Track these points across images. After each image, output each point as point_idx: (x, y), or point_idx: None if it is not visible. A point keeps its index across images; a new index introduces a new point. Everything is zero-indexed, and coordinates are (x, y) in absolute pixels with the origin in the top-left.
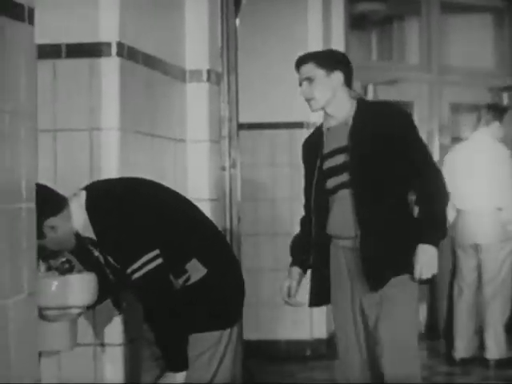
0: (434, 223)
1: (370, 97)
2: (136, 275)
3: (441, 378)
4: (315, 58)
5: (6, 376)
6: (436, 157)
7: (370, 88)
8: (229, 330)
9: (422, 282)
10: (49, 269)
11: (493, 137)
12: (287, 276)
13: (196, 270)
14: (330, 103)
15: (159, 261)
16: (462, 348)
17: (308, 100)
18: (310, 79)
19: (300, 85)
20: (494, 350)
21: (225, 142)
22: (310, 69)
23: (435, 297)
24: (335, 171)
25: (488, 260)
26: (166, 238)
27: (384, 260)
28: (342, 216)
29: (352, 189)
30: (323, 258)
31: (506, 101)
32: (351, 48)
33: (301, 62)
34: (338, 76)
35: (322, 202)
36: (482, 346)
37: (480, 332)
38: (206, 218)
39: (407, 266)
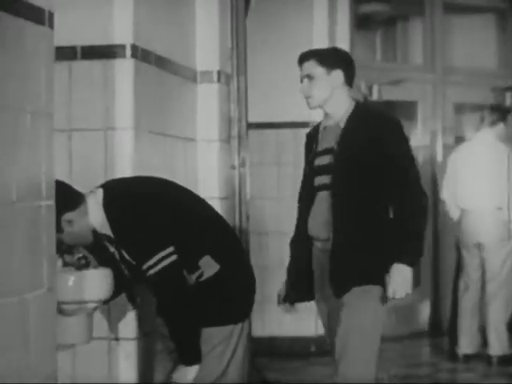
0: (410, 244)
1: (374, 97)
2: (151, 271)
3: (444, 375)
4: (317, 56)
5: (25, 367)
6: (439, 156)
7: (375, 88)
8: (240, 325)
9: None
10: (65, 264)
11: (496, 137)
12: (284, 282)
13: (209, 267)
14: (328, 102)
15: (174, 257)
16: (466, 344)
17: (306, 97)
18: (310, 76)
19: (301, 81)
20: (497, 346)
21: (234, 142)
22: (310, 66)
23: (439, 295)
24: (321, 171)
25: (490, 258)
26: (180, 236)
27: (351, 268)
28: (320, 217)
29: (331, 191)
30: (302, 256)
31: (508, 101)
32: (356, 48)
33: (303, 58)
34: (338, 75)
35: (307, 200)
36: (484, 342)
37: (483, 329)
38: (219, 215)
39: (374, 278)
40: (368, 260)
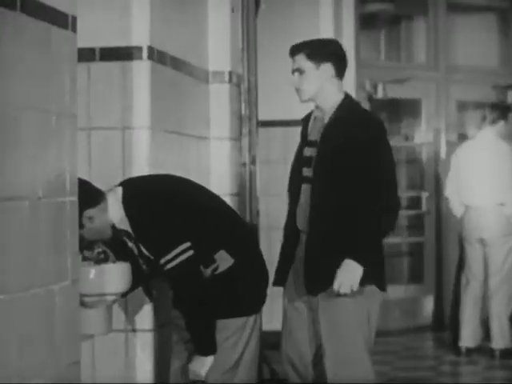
0: (364, 242)
1: (379, 95)
2: (169, 266)
3: (447, 367)
4: (306, 50)
5: (51, 355)
6: (443, 153)
7: (380, 86)
8: (253, 316)
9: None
10: (84, 259)
11: (497, 135)
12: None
13: (224, 260)
14: (318, 95)
15: (190, 252)
16: (468, 338)
17: (296, 90)
18: (300, 70)
19: (292, 73)
20: (499, 339)
21: (245, 140)
22: (300, 60)
23: (442, 290)
24: (306, 162)
25: (493, 253)
26: (196, 231)
27: (324, 268)
28: (303, 209)
29: (312, 184)
30: (291, 245)
31: (510, 99)
32: (360, 47)
33: (293, 52)
34: (327, 68)
35: (295, 191)
36: (487, 336)
37: (485, 323)
38: (233, 211)
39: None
40: (340, 260)
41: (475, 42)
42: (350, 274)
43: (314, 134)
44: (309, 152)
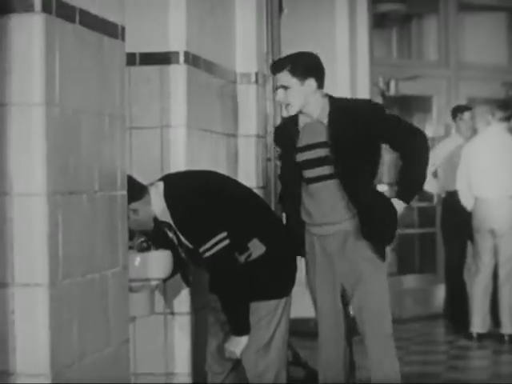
0: (408, 182)
1: (391, 92)
2: (207, 254)
3: (459, 351)
4: (289, 67)
5: (104, 334)
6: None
7: (392, 83)
8: (284, 299)
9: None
10: (128, 248)
11: (506, 130)
12: None
13: (256, 248)
14: (305, 106)
15: (227, 241)
16: (479, 324)
17: (284, 105)
18: (284, 87)
19: (276, 89)
20: (509, 326)
21: (270, 137)
22: (284, 77)
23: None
24: (313, 164)
25: (503, 244)
26: (232, 222)
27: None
28: (327, 204)
29: (339, 179)
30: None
31: None
32: (373, 46)
33: (276, 69)
34: (310, 83)
35: (295, 191)
36: (497, 322)
37: (494, 310)
38: (264, 202)
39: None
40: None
41: (485, 40)
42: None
43: (313, 138)
44: (318, 154)
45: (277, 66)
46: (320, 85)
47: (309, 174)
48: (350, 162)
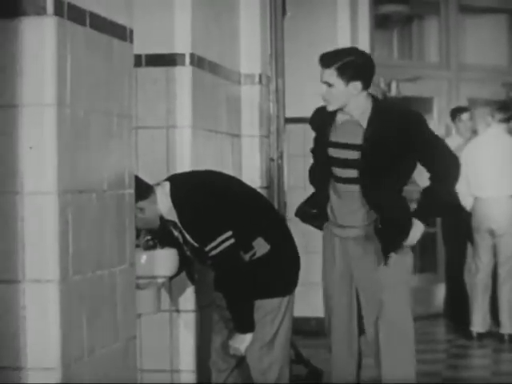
0: (432, 203)
1: (393, 93)
2: (213, 252)
3: (459, 350)
4: (337, 65)
5: (113, 329)
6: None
7: (393, 85)
8: (287, 297)
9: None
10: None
11: (506, 131)
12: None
13: (261, 247)
14: (346, 105)
15: (232, 240)
16: (479, 323)
17: (324, 100)
18: (329, 84)
19: (321, 81)
20: (508, 325)
21: (273, 137)
22: (330, 75)
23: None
24: (343, 164)
25: (502, 243)
26: (237, 221)
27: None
28: (350, 208)
29: (361, 186)
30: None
31: None
32: (374, 47)
33: (324, 64)
34: (356, 86)
35: (322, 187)
36: (496, 322)
37: (494, 309)
38: (268, 202)
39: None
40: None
41: (485, 42)
42: (418, 232)
43: (347, 138)
44: (350, 155)
45: (325, 61)
46: (365, 87)
47: (337, 172)
48: (377, 171)
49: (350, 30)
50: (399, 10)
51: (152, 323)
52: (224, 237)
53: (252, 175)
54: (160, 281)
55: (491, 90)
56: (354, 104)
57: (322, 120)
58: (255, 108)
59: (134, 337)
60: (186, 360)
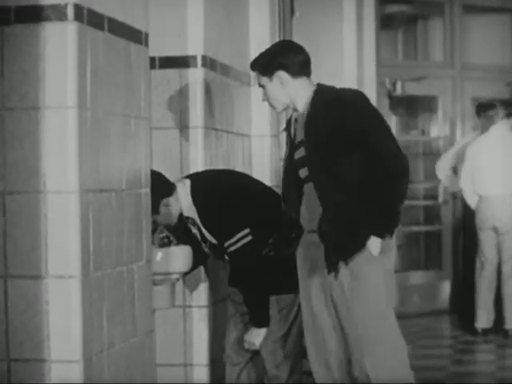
0: (383, 218)
1: (398, 92)
2: (231, 248)
3: (464, 345)
4: (256, 66)
5: (131, 323)
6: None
7: (399, 84)
8: None
9: None
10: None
11: (510, 128)
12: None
13: None
14: (290, 99)
15: (250, 237)
16: (483, 319)
17: (269, 105)
18: (262, 86)
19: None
20: None
21: (283, 136)
22: (258, 77)
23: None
24: (301, 164)
25: (505, 241)
26: (254, 219)
27: (341, 241)
28: (309, 209)
29: (314, 185)
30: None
31: None
32: (379, 47)
33: (252, 70)
34: (280, 76)
35: (294, 192)
36: (501, 318)
37: (498, 305)
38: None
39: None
40: (352, 231)
41: (489, 41)
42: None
43: (301, 134)
44: (301, 153)
45: (251, 66)
46: (295, 73)
47: (300, 173)
48: (322, 164)
49: (356, 30)
50: (404, 10)
51: (166, 318)
52: (242, 234)
53: (262, 174)
54: (174, 277)
55: (495, 89)
56: (293, 96)
57: (288, 125)
58: (265, 109)
59: (152, 331)
60: (200, 354)
